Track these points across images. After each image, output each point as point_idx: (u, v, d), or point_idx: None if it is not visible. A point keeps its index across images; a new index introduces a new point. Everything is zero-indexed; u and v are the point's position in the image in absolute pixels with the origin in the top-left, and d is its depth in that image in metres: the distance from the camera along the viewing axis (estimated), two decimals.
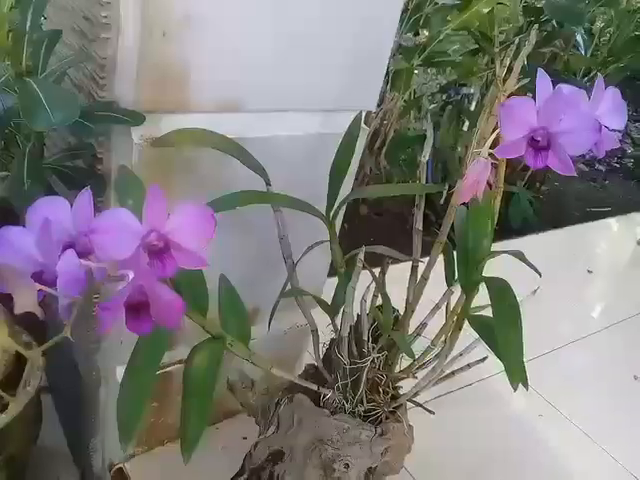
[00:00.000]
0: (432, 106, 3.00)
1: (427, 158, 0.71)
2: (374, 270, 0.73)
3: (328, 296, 0.84)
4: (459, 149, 2.64)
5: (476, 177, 0.46)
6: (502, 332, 0.52)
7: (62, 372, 1.09)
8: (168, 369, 0.99)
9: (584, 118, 0.50)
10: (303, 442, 0.75)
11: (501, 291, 0.55)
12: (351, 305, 0.71)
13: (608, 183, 3.65)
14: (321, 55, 0.81)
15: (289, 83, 0.83)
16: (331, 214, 0.73)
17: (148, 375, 0.52)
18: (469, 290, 0.63)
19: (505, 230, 2.21)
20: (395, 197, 2.23)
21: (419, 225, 0.72)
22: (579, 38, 2.14)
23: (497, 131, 0.51)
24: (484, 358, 0.76)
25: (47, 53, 0.67)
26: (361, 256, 0.69)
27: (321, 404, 0.77)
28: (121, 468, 1.01)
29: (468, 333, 0.75)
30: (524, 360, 0.54)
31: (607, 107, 0.54)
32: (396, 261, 0.77)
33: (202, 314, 0.62)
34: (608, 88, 0.55)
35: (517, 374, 0.52)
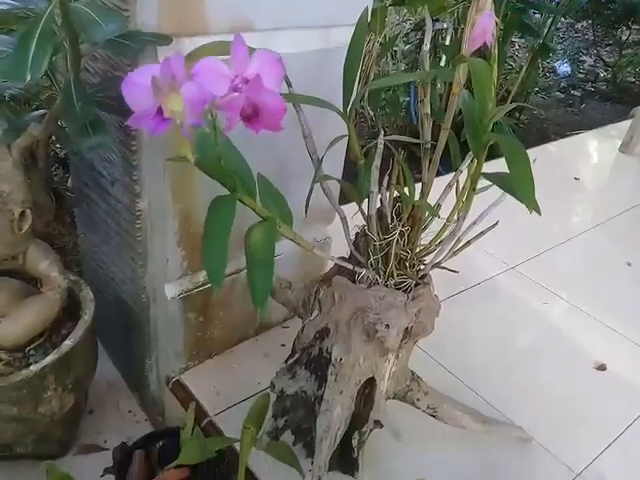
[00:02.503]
0: (407, 47, 3.07)
1: (429, 46, 0.79)
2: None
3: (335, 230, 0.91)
4: (438, 85, 2.71)
5: (484, 27, 0.55)
6: (516, 170, 0.62)
7: (110, 307, 1.18)
8: (209, 285, 1.09)
9: None
10: (346, 315, 0.85)
11: (509, 141, 0.65)
12: (376, 184, 0.80)
13: (584, 107, 3.75)
14: None
15: (293, 1, 0.91)
16: (348, 109, 0.81)
17: (223, 236, 0.61)
18: (479, 152, 0.72)
19: (490, 156, 2.31)
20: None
21: (427, 109, 0.81)
22: None
23: None
24: (495, 223, 0.85)
25: None
26: (381, 139, 0.78)
27: (357, 282, 0.87)
28: (178, 380, 1.11)
29: (477, 212, 0.84)
30: (534, 193, 0.63)
31: None
32: None
33: (253, 200, 0.70)
34: None
35: (531, 202, 0.61)
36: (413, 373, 0.97)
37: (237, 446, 0.98)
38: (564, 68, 4.33)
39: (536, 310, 1.42)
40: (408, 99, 2.86)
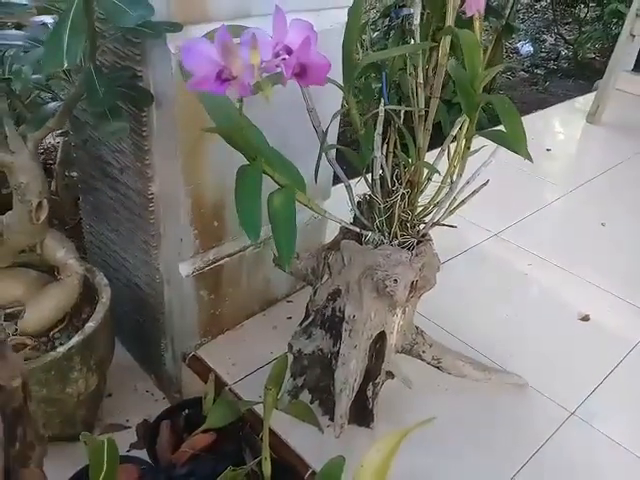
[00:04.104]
0: (375, 34, 3.14)
1: (418, 21, 0.86)
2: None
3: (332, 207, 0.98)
4: (411, 71, 2.79)
5: None
6: (509, 123, 0.69)
7: (120, 295, 1.23)
8: (218, 263, 1.15)
9: None
10: (355, 275, 0.92)
11: (501, 99, 0.72)
12: (379, 150, 0.87)
13: (548, 84, 3.87)
14: None
15: None
16: (348, 84, 0.88)
17: (254, 196, 0.67)
18: (472, 112, 0.79)
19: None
20: None
21: (420, 79, 0.88)
22: None
23: None
24: (486, 182, 0.93)
25: None
26: (382, 107, 0.85)
27: (363, 244, 0.94)
28: (195, 355, 1.17)
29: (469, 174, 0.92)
30: (526, 144, 0.70)
31: None
32: None
33: (272, 169, 0.77)
34: None
35: (524, 151, 0.69)
36: (417, 328, 1.05)
37: (257, 409, 1.05)
38: (526, 48, 4.45)
39: (521, 271, 1.52)
40: (380, 85, 2.95)
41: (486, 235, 1.64)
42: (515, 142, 0.69)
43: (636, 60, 2.85)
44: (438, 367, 1.07)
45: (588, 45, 4.34)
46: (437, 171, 0.87)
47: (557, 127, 2.47)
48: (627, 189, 1.96)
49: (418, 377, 1.05)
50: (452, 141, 0.93)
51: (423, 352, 1.04)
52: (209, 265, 1.13)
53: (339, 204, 1.01)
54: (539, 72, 4.09)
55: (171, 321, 1.15)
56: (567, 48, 4.42)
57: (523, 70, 4.10)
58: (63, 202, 1.80)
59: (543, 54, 4.40)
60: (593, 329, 1.34)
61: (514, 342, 1.28)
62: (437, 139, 0.97)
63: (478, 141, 0.85)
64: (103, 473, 0.82)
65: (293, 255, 0.74)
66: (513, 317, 1.36)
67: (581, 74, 4.01)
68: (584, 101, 2.65)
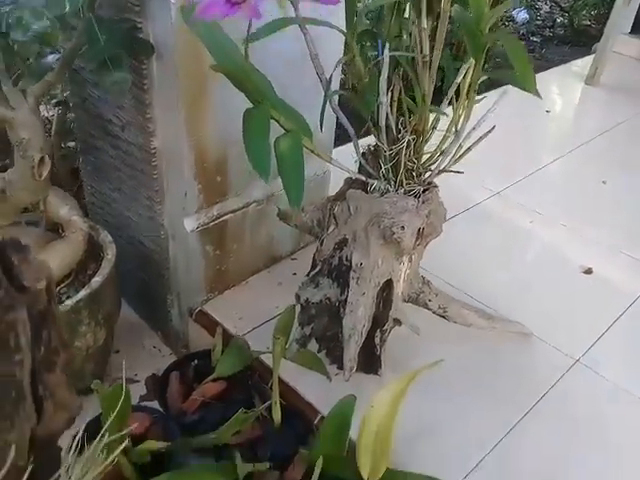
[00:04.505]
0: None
1: None
2: None
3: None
4: (404, 37, 2.77)
5: None
6: (517, 61, 0.69)
7: (124, 254, 1.23)
8: (222, 218, 1.15)
9: None
10: (362, 223, 0.93)
11: (509, 37, 0.72)
12: (385, 95, 0.87)
13: (545, 52, 3.85)
14: None
15: None
16: (351, 30, 0.87)
17: (262, 136, 0.67)
18: (478, 54, 0.79)
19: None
20: None
21: (424, 24, 0.88)
22: None
23: None
24: (492, 128, 0.92)
25: None
26: (387, 52, 0.84)
27: (369, 193, 0.94)
28: (202, 310, 1.18)
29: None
30: (535, 80, 0.70)
31: None
32: None
33: (277, 113, 0.76)
34: None
35: (532, 88, 0.69)
36: (424, 277, 1.06)
37: (266, 360, 1.06)
38: (522, 15, 4.40)
39: (524, 228, 1.52)
40: (376, 53, 2.92)
41: (487, 194, 1.64)
42: (524, 80, 0.69)
43: (633, 23, 2.83)
44: (444, 316, 1.08)
45: (584, 12, 4.30)
46: (444, 113, 0.87)
47: (555, 90, 2.46)
48: (627, 148, 1.96)
49: (424, 326, 1.05)
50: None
51: (429, 301, 1.05)
52: (213, 221, 1.13)
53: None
54: (535, 39, 4.05)
55: (176, 277, 1.16)
56: (562, 15, 4.38)
57: (519, 38, 4.07)
58: (60, 172, 1.79)
59: (539, 21, 4.36)
60: (596, 282, 1.35)
61: (518, 295, 1.29)
62: (439, 97, 0.96)
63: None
64: (114, 416, 0.83)
65: (302, 197, 0.75)
66: (517, 271, 1.37)
67: (577, 40, 3.98)
68: (582, 64, 2.64)
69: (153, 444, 0.92)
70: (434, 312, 1.07)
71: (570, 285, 1.34)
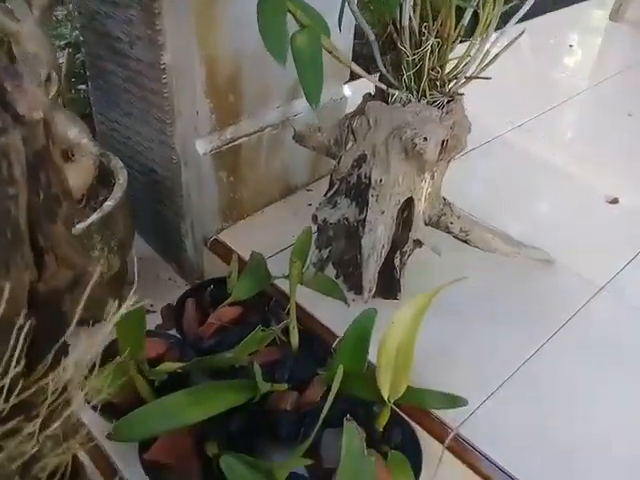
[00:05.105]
0: None
1: None
2: None
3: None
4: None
5: None
6: None
7: (136, 184, 1.20)
8: (236, 142, 1.12)
9: None
10: (382, 137, 0.88)
11: None
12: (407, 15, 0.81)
13: None
14: None
15: None
16: None
17: (278, 19, 0.62)
18: None
19: None
20: None
21: None
22: None
23: None
24: (522, 32, 0.87)
25: None
26: None
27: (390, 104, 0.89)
28: (217, 239, 1.15)
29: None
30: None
31: None
32: None
33: (294, 6, 0.71)
34: None
35: None
36: (445, 199, 1.02)
37: (282, 286, 1.03)
38: None
39: (547, 159, 1.47)
40: None
41: (509, 127, 1.58)
42: None
43: None
44: (466, 241, 1.04)
45: None
46: (471, 5, 0.81)
47: (579, 24, 2.36)
48: None
49: (445, 252, 1.02)
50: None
51: (451, 224, 1.01)
52: (227, 144, 1.09)
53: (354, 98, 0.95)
54: None
55: (190, 204, 1.13)
56: None
57: None
58: None
59: None
60: (622, 211, 1.30)
61: (544, 225, 1.25)
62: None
63: None
64: (129, 340, 0.81)
65: (321, 96, 0.70)
66: (541, 202, 1.33)
67: None
68: (603, 1, 2.53)
69: (169, 365, 0.91)
70: (456, 236, 1.03)
71: (596, 214, 1.29)
